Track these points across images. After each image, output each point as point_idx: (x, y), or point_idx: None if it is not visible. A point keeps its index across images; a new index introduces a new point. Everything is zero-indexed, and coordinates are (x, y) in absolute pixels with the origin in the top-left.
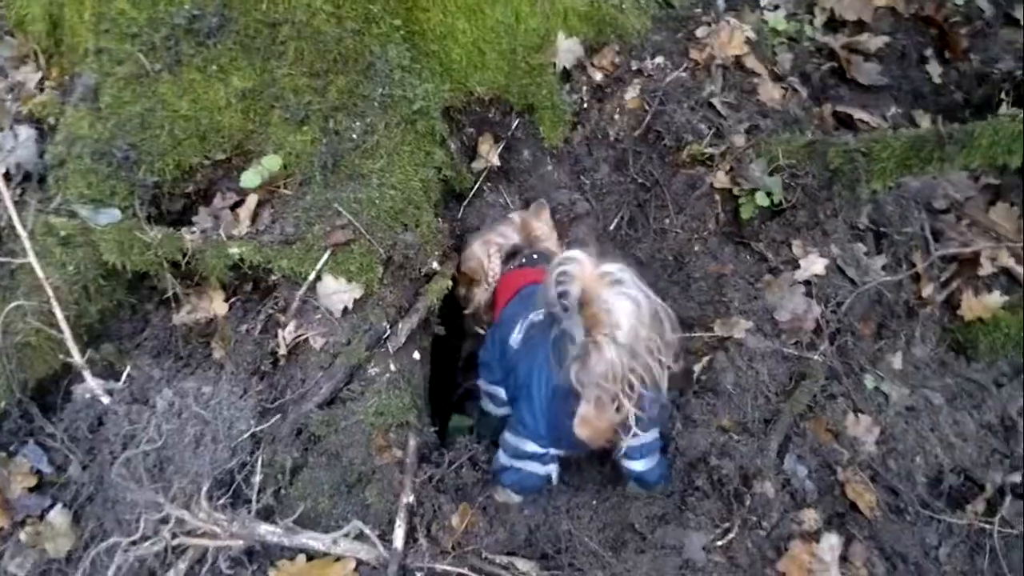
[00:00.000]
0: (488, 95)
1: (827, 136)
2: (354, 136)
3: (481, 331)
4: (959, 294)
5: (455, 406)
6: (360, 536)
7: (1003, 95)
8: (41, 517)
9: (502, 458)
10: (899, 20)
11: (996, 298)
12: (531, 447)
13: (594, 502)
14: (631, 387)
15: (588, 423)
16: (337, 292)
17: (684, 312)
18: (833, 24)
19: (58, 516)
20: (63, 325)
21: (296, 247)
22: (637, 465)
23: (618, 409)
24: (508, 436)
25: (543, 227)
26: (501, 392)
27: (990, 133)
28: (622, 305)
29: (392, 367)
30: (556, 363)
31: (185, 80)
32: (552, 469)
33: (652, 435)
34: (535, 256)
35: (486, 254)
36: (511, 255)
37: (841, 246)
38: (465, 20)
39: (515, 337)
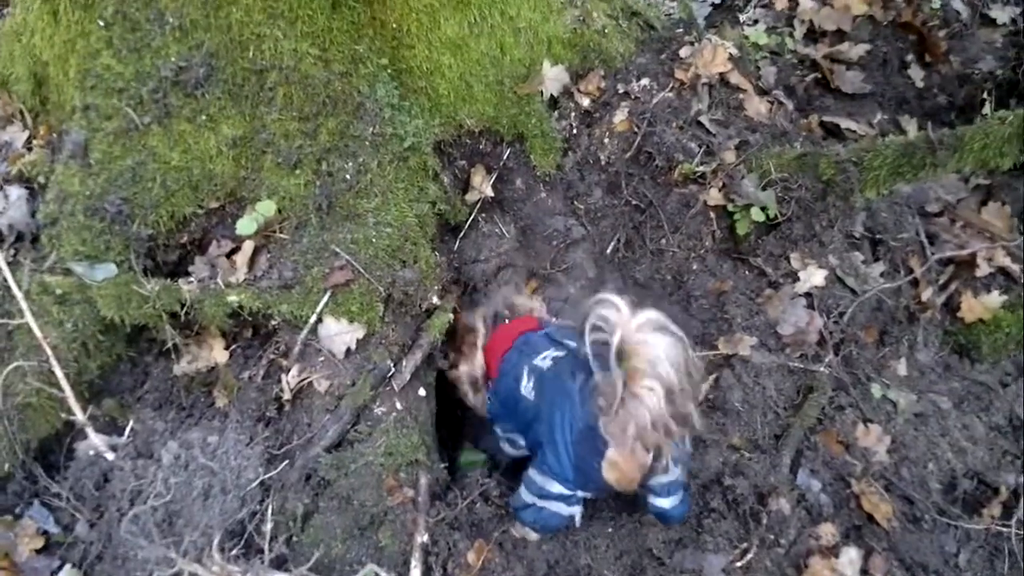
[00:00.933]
0: (478, 127)
1: (816, 147)
2: (347, 176)
3: (470, 396)
4: (958, 296)
5: (463, 438)
6: None
7: (986, 95)
8: None
9: (525, 495)
10: (878, 28)
11: (995, 298)
12: (558, 488)
13: (610, 530)
14: (669, 433)
15: (618, 468)
16: (339, 333)
17: (687, 331)
18: (813, 35)
19: None
20: (63, 383)
21: (295, 291)
22: (664, 503)
23: (656, 457)
24: (534, 474)
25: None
26: (519, 439)
27: (981, 136)
28: (664, 356)
29: (398, 405)
30: (586, 410)
31: (175, 131)
32: (577, 511)
33: (677, 472)
34: (509, 313)
35: (475, 320)
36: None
37: (839, 256)
38: (451, 55)
39: (525, 386)
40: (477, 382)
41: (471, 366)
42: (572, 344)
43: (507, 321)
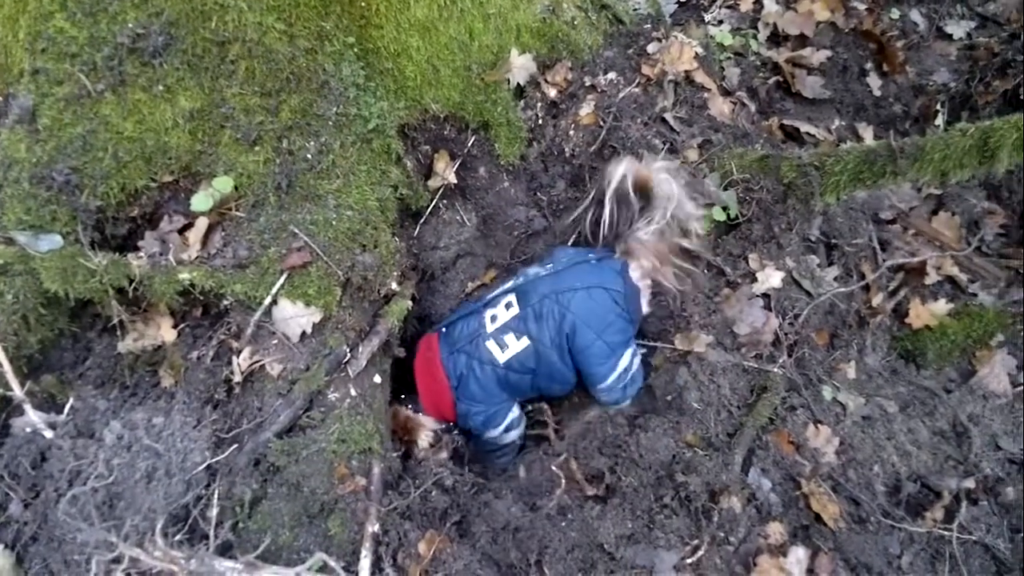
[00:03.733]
0: (443, 112)
1: (777, 149)
2: (308, 156)
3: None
4: (907, 303)
5: None
6: (324, 568)
7: (939, 106)
8: None
9: (616, 381)
10: (839, 35)
11: (942, 306)
12: (631, 351)
13: (562, 524)
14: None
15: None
16: (294, 316)
17: (644, 327)
18: (776, 39)
19: (0, 558)
20: (1, 357)
21: (250, 271)
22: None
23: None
24: (612, 364)
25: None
26: (515, 412)
27: (942, 147)
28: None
29: (353, 392)
30: (606, 268)
31: (130, 101)
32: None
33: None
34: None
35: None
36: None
37: (796, 259)
38: (419, 37)
39: (504, 352)
40: (443, 437)
41: (426, 433)
42: (508, 286)
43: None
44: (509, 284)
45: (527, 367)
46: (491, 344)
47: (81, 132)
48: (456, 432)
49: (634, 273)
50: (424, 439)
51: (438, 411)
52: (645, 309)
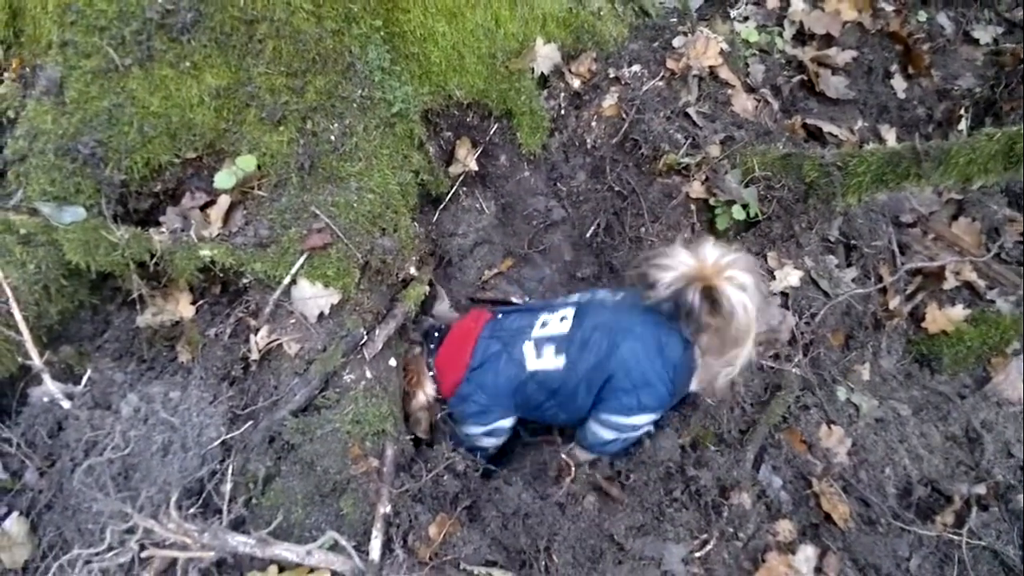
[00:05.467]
0: (467, 99)
1: (799, 148)
2: (332, 138)
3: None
4: (924, 307)
5: None
6: (335, 547)
7: (963, 111)
8: None
9: (604, 434)
10: (866, 35)
11: (960, 311)
12: (647, 419)
13: (571, 514)
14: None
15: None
16: (313, 297)
17: None
18: (802, 37)
19: (14, 525)
20: (22, 326)
21: (271, 250)
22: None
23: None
24: (613, 417)
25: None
26: (506, 423)
27: (968, 151)
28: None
29: (368, 374)
30: (674, 336)
31: (156, 76)
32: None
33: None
34: (438, 323)
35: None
36: (426, 337)
37: (814, 258)
38: (445, 23)
39: (539, 360)
40: (433, 407)
41: (424, 393)
42: (573, 299)
43: (443, 329)
44: (575, 298)
45: (548, 388)
46: (528, 347)
47: (107, 106)
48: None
49: (697, 356)
50: (422, 397)
51: (444, 377)
52: (692, 387)
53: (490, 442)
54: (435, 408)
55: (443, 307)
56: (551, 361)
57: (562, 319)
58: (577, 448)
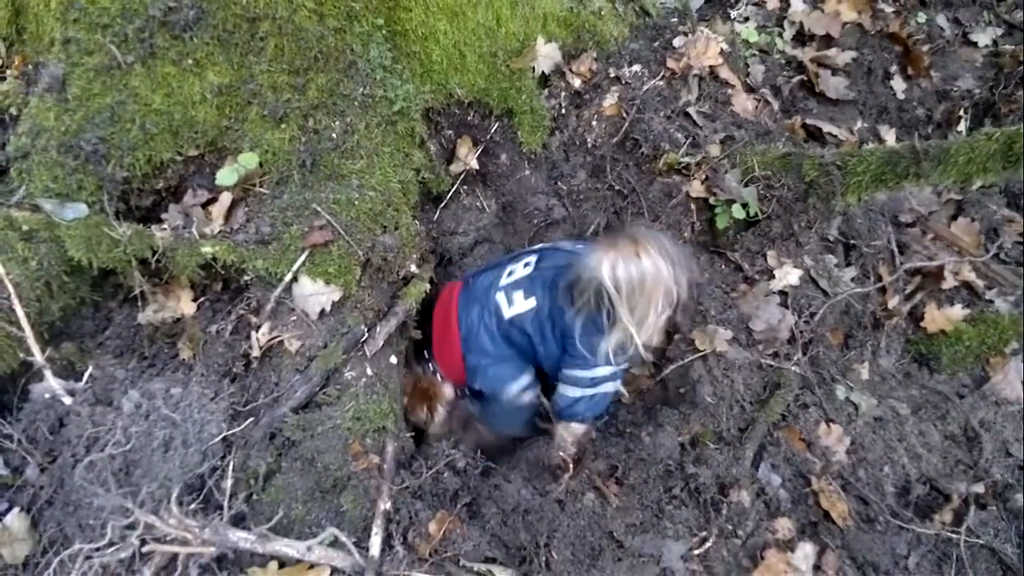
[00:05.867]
0: (468, 98)
1: (799, 148)
2: (333, 135)
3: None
4: (923, 306)
5: None
6: (335, 543)
7: (962, 112)
8: None
9: (571, 392)
10: (865, 36)
11: (958, 311)
12: (607, 370)
13: (570, 510)
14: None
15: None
16: (314, 294)
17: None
18: (802, 38)
19: (15, 520)
20: (23, 322)
21: (272, 247)
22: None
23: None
24: (577, 372)
25: None
26: (527, 376)
27: (967, 151)
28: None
29: (369, 371)
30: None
31: (159, 73)
32: (619, 384)
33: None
34: None
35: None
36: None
37: (814, 257)
38: (447, 21)
39: (511, 308)
40: (456, 406)
41: (445, 401)
42: (536, 247)
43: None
44: (538, 246)
45: (526, 332)
46: (500, 296)
47: (110, 103)
48: (467, 398)
49: None
50: (442, 410)
51: (450, 365)
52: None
53: (530, 396)
54: (459, 406)
55: None
56: (522, 304)
57: (525, 264)
58: (559, 425)
